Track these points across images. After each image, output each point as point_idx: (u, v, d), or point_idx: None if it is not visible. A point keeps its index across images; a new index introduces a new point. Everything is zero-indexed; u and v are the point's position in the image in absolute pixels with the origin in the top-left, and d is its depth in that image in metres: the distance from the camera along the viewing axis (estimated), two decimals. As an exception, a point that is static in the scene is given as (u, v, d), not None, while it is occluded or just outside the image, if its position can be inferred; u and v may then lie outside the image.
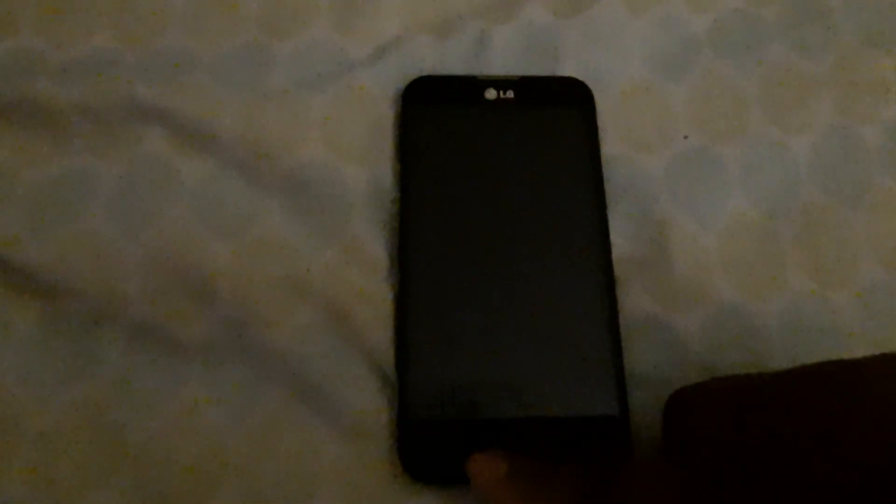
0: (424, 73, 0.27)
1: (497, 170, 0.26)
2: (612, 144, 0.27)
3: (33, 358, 0.23)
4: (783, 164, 0.27)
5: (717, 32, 0.29)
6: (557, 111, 0.27)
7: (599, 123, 0.27)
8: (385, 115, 0.27)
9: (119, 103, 0.26)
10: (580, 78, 0.28)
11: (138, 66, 0.27)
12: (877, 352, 0.19)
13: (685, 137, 0.27)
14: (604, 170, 0.26)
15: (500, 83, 0.27)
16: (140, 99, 0.26)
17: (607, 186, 0.26)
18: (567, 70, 0.28)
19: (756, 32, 0.29)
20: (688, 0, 0.30)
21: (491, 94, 0.27)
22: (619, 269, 0.25)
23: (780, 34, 0.29)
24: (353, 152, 0.26)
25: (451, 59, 0.28)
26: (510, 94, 0.27)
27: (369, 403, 0.23)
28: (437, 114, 0.26)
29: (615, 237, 0.26)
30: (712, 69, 0.29)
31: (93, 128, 0.26)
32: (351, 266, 0.25)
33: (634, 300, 0.25)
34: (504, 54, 0.28)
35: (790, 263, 0.26)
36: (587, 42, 0.29)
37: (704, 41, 0.29)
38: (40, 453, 0.22)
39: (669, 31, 0.29)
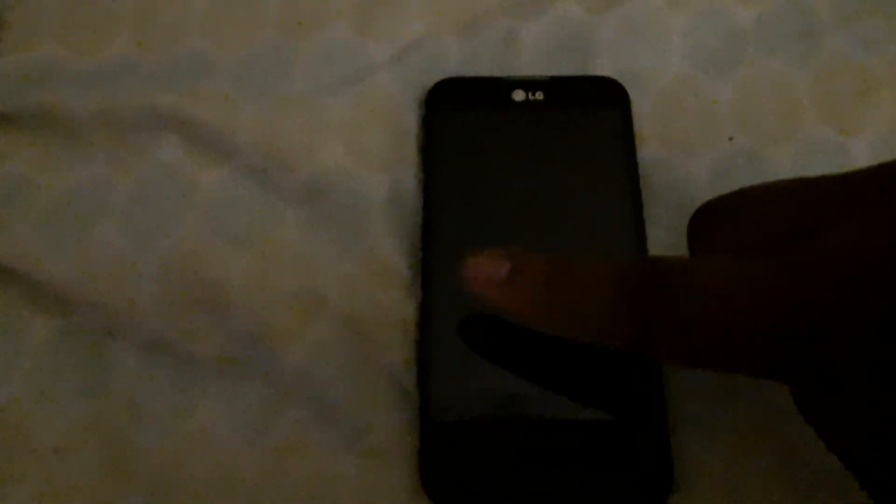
0: (449, 75, 0.26)
1: (526, 176, 0.24)
2: (650, 147, 0.25)
3: (47, 372, 0.23)
4: (840, 166, 0.25)
5: (765, 25, 0.27)
6: (590, 113, 0.25)
7: (636, 125, 0.25)
8: (407, 119, 0.26)
9: (136, 111, 0.26)
10: (615, 77, 0.26)
11: (156, 73, 0.26)
12: None
13: (730, 139, 0.25)
14: (642, 174, 0.25)
15: (528, 84, 0.25)
16: (157, 106, 0.26)
17: (646, 192, 0.24)
18: (601, 68, 0.26)
19: (809, 25, 0.27)
20: None
21: (519, 95, 0.25)
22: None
23: (835, 26, 0.27)
24: (374, 158, 0.25)
25: (477, 60, 0.27)
26: (539, 95, 0.25)
27: (389, 423, 0.22)
28: (462, 117, 0.25)
29: (654, 247, 0.24)
30: (760, 65, 0.27)
31: (109, 137, 0.25)
32: (370, 278, 0.24)
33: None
34: (533, 53, 0.27)
35: None
36: (623, 38, 0.27)
37: (751, 35, 0.27)
38: (52, 470, 0.22)
39: (712, 24, 0.27)
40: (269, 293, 0.23)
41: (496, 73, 0.26)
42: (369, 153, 0.25)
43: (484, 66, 0.27)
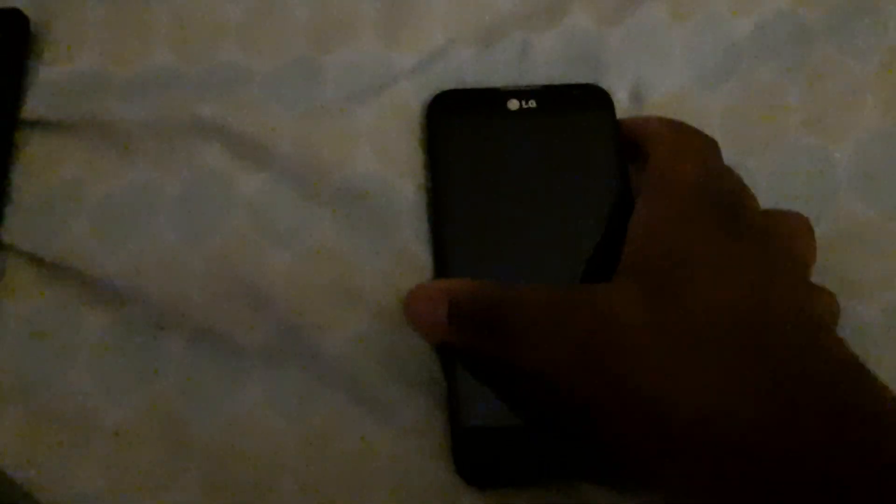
0: (466, 84, 0.28)
1: (523, 178, 0.26)
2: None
3: (106, 360, 0.25)
4: (820, 172, 0.27)
5: (760, 35, 0.29)
6: (578, 118, 0.27)
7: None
8: (429, 126, 0.28)
9: (179, 119, 0.27)
10: (625, 87, 0.28)
11: (196, 83, 0.28)
12: None
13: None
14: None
15: (521, 93, 0.27)
16: (199, 116, 0.27)
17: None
18: (611, 78, 0.28)
19: (800, 34, 0.29)
20: (731, 4, 0.29)
21: (513, 104, 0.27)
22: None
23: (824, 35, 0.29)
24: (401, 163, 0.27)
25: (493, 69, 0.29)
26: (532, 103, 0.27)
27: (422, 407, 0.24)
28: (461, 126, 0.27)
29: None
30: (751, 75, 0.28)
31: (155, 143, 0.27)
32: (400, 273, 0.26)
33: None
34: (547, 63, 0.29)
35: (824, 278, 0.24)
36: (630, 50, 0.29)
37: (746, 46, 0.29)
38: (115, 450, 0.24)
39: (712, 36, 0.29)
40: (308, 288, 0.26)
41: (512, 81, 0.28)
42: (396, 158, 0.27)
43: (500, 76, 0.29)
